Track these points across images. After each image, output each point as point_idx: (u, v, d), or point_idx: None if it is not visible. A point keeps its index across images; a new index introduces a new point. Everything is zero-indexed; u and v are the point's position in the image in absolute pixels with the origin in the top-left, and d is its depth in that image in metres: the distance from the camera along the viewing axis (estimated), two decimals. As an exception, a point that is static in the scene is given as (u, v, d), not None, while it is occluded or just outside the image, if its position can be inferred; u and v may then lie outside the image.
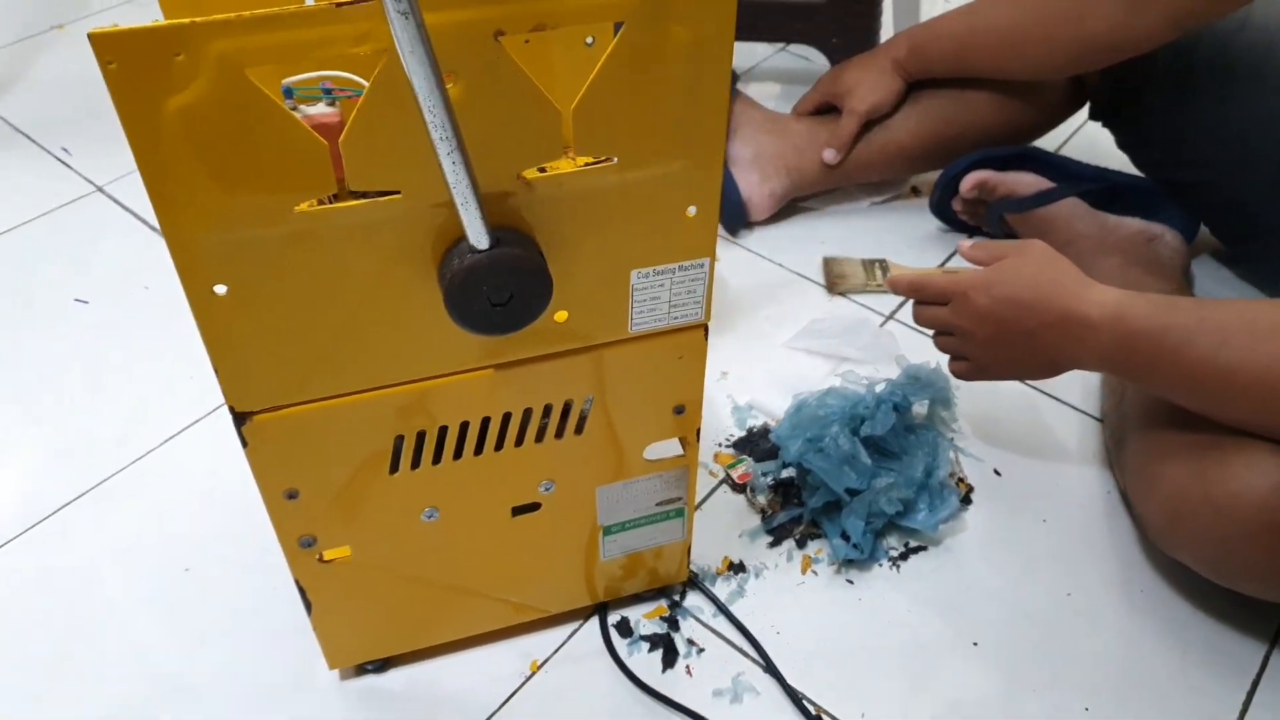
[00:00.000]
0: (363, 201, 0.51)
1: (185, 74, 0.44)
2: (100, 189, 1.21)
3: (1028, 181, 1.07)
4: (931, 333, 0.87)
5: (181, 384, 0.96)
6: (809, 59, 1.43)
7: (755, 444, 0.93)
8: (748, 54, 1.43)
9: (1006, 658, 0.78)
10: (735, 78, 1.22)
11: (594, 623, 0.80)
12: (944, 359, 0.87)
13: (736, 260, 1.13)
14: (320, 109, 0.67)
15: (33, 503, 0.87)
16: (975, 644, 0.80)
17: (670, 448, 0.70)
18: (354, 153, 0.49)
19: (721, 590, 0.82)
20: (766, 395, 0.97)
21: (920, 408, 0.92)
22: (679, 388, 0.66)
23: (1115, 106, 1.07)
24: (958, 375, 0.85)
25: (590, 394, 0.64)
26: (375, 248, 0.52)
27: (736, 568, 0.84)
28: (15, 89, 1.38)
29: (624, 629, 0.80)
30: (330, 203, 0.51)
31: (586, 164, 0.53)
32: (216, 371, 0.54)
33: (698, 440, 0.70)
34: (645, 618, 0.81)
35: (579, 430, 0.65)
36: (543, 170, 0.53)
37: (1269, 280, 1.08)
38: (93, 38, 0.42)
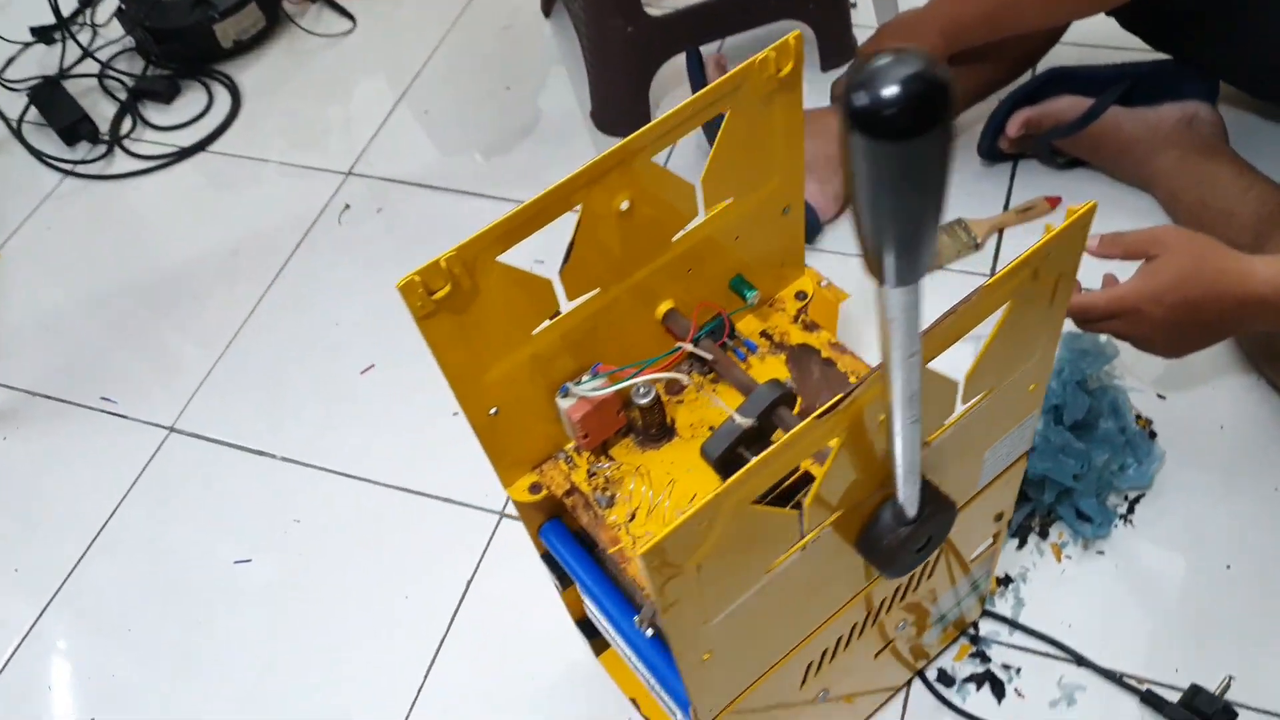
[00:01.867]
0: (811, 536, 0.53)
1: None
2: (171, 429, 1.16)
3: (1068, 105, 1.12)
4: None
5: (397, 639, 0.97)
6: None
7: (954, 455, 0.99)
8: (734, 40, 1.42)
9: (1254, 570, 0.89)
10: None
11: (917, 688, 0.87)
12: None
13: (830, 268, 1.16)
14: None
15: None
16: (1227, 567, 0.90)
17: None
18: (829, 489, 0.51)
19: (1004, 607, 0.90)
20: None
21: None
22: (1002, 501, 0.71)
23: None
24: None
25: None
26: (814, 556, 0.55)
27: (1003, 581, 0.92)
28: None
29: (945, 679, 0.88)
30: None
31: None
32: (694, 708, 0.57)
33: (1007, 528, 0.76)
34: (955, 661, 0.88)
35: (930, 574, 0.71)
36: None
37: None
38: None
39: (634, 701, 0.88)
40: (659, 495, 0.68)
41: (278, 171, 1.40)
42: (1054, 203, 1.16)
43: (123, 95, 1.54)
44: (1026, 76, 1.22)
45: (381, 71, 1.52)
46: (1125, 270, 0.87)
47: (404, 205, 1.33)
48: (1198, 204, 1.06)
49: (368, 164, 1.39)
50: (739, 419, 0.63)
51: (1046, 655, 0.88)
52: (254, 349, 1.21)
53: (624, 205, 0.62)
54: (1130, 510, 0.94)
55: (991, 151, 1.19)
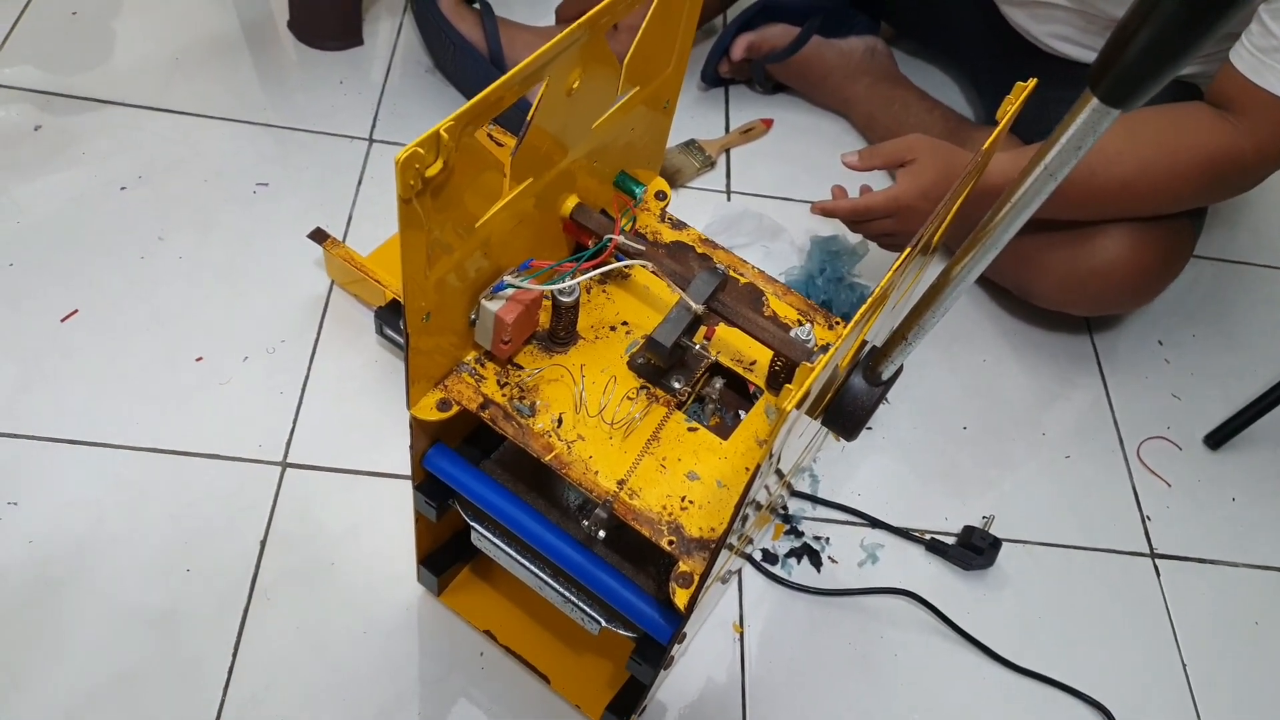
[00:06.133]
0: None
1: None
2: None
3: (780, 32, 1.22)
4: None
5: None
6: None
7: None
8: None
9: (983, 428, 1.06)
10: (491, 9, 1.16)
11: (747, 571, 0.93)
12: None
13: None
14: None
15: None
16: (964, 428, 1.06)
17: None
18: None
19: (803, 486, 0.99)
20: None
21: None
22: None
23: None
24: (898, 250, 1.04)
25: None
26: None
27: (804, 467, 1.00)
28: None
29: (769, 558, 0.94)
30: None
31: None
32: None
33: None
34: (774, 540, 0.95)
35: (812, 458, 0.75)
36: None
37: (953, 63, 1.37)
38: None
39: (489, 634, 0.84)
40: (580, 399, 0.66)
41: None
42: (768, 124, 1.26)
43: None
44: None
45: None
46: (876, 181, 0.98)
47: (70, 122, 1.10)
48: (894, 123, 1.22)
49: (5, 73, 1.12)
50: (691, 303, 0.63)
51: (846, 523, 0.98)
52: (-113, 301, 0.94)
53: (575, 84, 0.58)
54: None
55: (713, 76, 1.26)
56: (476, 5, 1.17)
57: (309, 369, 0.97)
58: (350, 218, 1.09)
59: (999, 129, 0.54)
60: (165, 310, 0.98)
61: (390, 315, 0.95)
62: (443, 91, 1.22)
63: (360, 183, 1.11)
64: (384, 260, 0.99)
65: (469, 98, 1.17)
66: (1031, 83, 0.56)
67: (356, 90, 1.20)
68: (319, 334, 0.99)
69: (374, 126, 1.17)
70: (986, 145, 0.55)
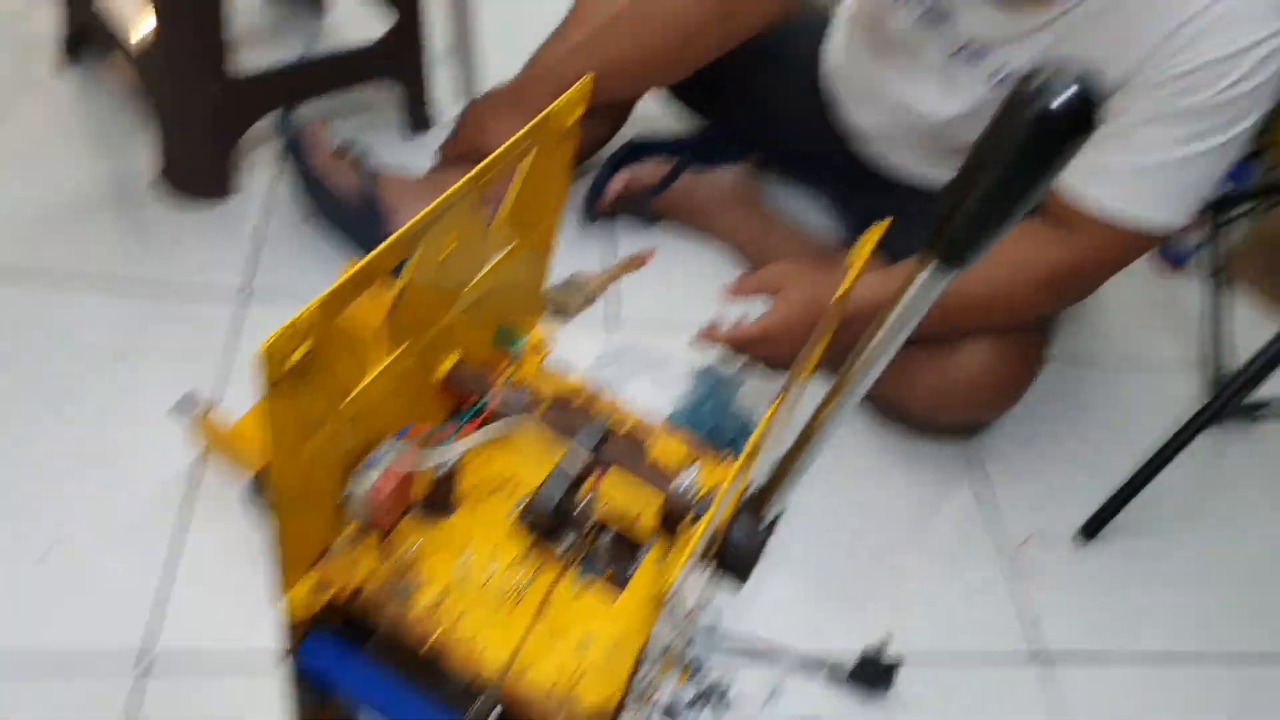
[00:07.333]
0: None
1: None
2: None
3: (652, 169, 1.26)
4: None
5: None
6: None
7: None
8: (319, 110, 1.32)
9: (874, 540, 1.07)
10: (367, 157, 1.17)
11: (653, 723, 0.90)
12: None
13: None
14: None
15: None
16: (854, 543, 1.07)
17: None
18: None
19: (707, 618, 0.97)
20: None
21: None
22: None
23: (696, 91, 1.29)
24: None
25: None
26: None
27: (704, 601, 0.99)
28: None
29: (672, 711, 0.91)
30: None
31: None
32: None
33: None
34: (679, 684, 0.93)
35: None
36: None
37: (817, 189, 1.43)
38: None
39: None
40: (465, 569, 0.64)
41: None
42: (649, 254, 1.28)
43: None
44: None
45: None
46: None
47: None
48: (768, 249, 1.26)
49: None
50: (582, 449, 0.62)
51: (749, 654, 0.96)
52: None
53: (451, 247, 0.58)
54: (776, 516, 1.08)
55: (592, 214, 1.28)
56: (351, 155, 1.17)
57: (177, 548, 0.91)
58: (224, 379, 1.05)
59: (849, 278, 0.56)
60: (13, 498, 0.92)
61: (264, 482, 0.91)
62: (320, 240, 1.20)
63: (237, 339, 1.08)
64: (256, 425, 0.96)
65: (348, 244, 1.17)
66: (885, 223, 0.58)
67: (231, 243, 1.18)
68: (186, 509, 0.94)
69: (250, 279, 1.14)
70: (839, 295, 0.56)
